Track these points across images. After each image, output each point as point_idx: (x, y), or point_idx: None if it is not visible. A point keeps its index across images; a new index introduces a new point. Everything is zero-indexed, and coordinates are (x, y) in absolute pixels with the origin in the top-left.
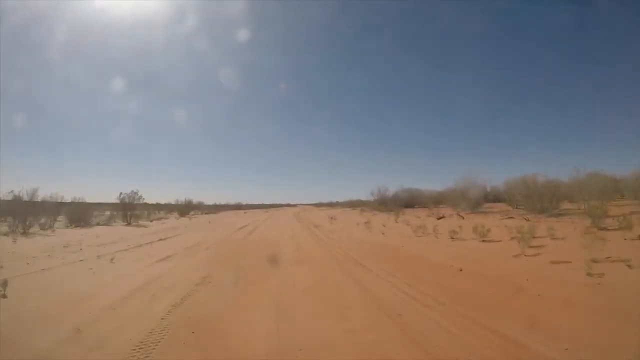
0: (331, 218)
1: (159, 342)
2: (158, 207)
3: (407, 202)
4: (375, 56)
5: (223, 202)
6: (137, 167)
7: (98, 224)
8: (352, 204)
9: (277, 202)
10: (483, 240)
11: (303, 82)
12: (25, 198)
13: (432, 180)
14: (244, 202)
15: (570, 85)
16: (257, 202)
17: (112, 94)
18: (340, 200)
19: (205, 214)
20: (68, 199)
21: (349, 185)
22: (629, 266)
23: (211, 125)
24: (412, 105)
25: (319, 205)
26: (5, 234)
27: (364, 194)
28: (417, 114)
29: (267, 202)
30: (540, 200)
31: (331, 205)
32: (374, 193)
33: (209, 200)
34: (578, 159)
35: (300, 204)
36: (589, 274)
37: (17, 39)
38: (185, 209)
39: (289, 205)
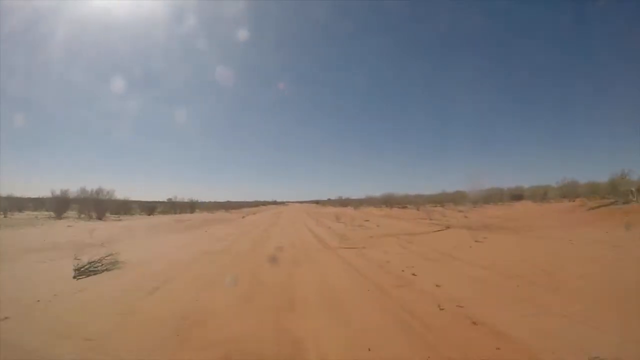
0: None
1: None
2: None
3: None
4: (373, 55)
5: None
6: (118, 162)
7: None
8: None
9: (260, 200)
10: None
11: (302, 82)
12: None
13: (427, 181)
14: (215, 198)
15: (570, 86)
16: (234, 200)
17: (111, 92)
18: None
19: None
20: None
21: (340, 182)
22: None
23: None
24: (410, 105)
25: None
26: None
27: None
28: (414, 113)
29: (247, 200)
30: None
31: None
32: None
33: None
34: (576, 159)
35: (291, 202)
36: None
37: (17, 39)
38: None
39: (275, 203)
